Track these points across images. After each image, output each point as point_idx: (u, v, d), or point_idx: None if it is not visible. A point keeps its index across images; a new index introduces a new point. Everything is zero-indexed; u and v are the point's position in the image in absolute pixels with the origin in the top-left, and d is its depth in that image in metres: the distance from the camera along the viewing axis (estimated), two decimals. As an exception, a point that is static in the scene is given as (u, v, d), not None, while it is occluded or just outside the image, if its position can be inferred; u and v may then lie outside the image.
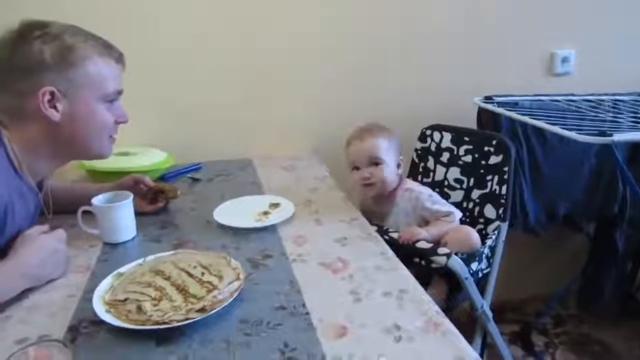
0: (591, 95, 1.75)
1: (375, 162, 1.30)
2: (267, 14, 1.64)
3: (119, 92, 1.03)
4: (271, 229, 1.13)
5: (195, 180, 1.51)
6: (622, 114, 1.53)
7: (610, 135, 1.16)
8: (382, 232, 1.19)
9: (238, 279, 0.86)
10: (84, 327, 0.79)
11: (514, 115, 1.45)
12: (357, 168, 1.33)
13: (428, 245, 1.18)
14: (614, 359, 1.86)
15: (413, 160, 1.61)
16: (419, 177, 1.59)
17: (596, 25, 1.88)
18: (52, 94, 0.92)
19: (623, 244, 1.79)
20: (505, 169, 1.36)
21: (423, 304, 0.84)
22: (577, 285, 1.98)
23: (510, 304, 2.05)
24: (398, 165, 1.34)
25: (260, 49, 1.67)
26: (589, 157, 1.70)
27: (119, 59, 1.02)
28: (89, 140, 1.00)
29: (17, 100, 0.93)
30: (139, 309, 0.79)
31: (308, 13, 1.67)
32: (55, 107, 0.93)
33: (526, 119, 1.39)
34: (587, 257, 1.92)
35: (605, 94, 1.76)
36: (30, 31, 0.92)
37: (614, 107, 1.64)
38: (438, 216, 1.32)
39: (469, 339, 0.77)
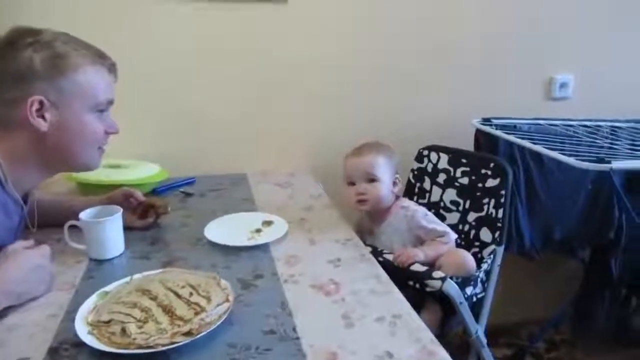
0: (589, 120, 1.75)
1: (371, 179, 1.29)
2: (266, 31, 1.63)
3: (110, 102, 1.01)
4: (263, 247, 1.11)
5: (188, 194, 1.49)
6: (619, 140, 1.53)
7: (609, 162, 1.16)
8: (377, 253, 1.17)
9: (227, 300, 0.84)
10: (65, 349, 0.76)
11: (512, 138, 1.44)
12: (352, 183, 1.32)
13: (423, 268, 1.15)
14: (607, 387, 1.84)
15: (409, 180, 1.59)
16: (415, 198, 1.58)
17: (595, 51, 1.89)
18: (40, 103, 0.90)
19: (618, 270, 1.77)
20: (502, 192, 1.35)
21: (417, 330, 0.82)
22: (572, 311, 1.96)
23: (504, 328, 2.02)
24: (394, 184, 1.34)
25: (258, 66, 1.66)
26: (586, 183, 1.69)
27: (111, 68, 1.00)
28: (77, 151, 0.98)
29: (5, 109, 0.91)
30: (123, 331, 0.76)
31: (307, 31, 1.67)
32: (43, 117, 0.91)
33: (525, 142, 1.39)
34: (581, 283, 1.90)
35: (603, 120, 1.76)
36: (20, 38, 0.90)
37: (611, 134, 1.64)
38: (433, 236, 1.30)
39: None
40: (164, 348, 0.72)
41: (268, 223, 1.23)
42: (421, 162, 1.57)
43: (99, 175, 1.35)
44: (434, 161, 1.54)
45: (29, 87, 0.89)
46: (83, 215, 1.05)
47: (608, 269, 1.76)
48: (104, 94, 0.97)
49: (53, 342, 0.77)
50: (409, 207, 1.33)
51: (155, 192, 1.49)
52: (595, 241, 1.77)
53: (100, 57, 0.98)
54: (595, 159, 1.18)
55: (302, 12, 1.64)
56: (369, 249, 1.15)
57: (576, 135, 1.56)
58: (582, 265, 1.90)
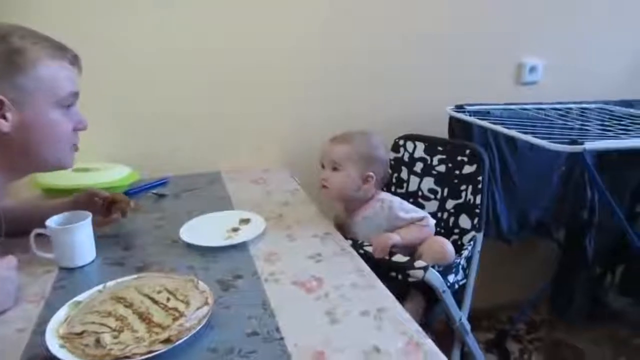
0: (559, 103, 1.77)
1: (335, 168, 1.27)
2: (237, 29, 1.60)
3: (75, 95, 0.94)
4: (241, 246, 1.08)
5: (161, 196, 1.44)
6: (589, 122, 1.55)
7: (582, 143, 1.17)
8: (357, 246, 1.16)
9: (207, 303, 0.81)
10: (36, 364, 0.72)
11: (486, 124, 1.45)
12: (323, 166, 1.31)
13: (404, 259, 1.14)
14: (586, 364, 1.88)
15: (386, 170, 1.58)
16: (393, 188, 1.57)
17: (563, 36, 1.91)
18: (0, 102, 0.85)
19: (592, 249, 1.81)
20: (479, 178, 1.35)
21: (403, 322, 0.81)
22: (549, 291, 1.99)
23: (484, 312, 2.04)
24: (366, 179, 1.28)
25: (227, 64, 1.62)
26: (558, 165, 1.72)
27: (74, 60, 0.94)
28: (45, 150, 0.92)
29: None
30: (97, 342, 0.72)
31: (278, 28, 1.63)
32: (4, 117, 0.85)
33: (499, 128, 1.39)
34: (557, 264, 1.93)
35: (573, 103, 1.79)
36: None
37: (581, 116, 1.67)
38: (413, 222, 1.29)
39: (447, 352, 0.74)
40: (141, 358, 0.69)
41: (245, 221, 1.20)
42: (397, 151, 1.56)
43: (67, 180, 1.29)
44: (410, 150, 1.53)
45: None
46: (50, 222, 1.00)
47: (583, 248, 1.80)
48: (67, 88, 0.91)
49: (23, 358, 0.73)
50: (384, 199, 1.31)
51: (127, 194, 1.43)
52: (570, 222, 1.80)
53: (60, 49, 0.92)
54: (568, 140, 1.19)
55: (268, 10, 1.61)
56: (349, 242, 1.14)
57: (548, 118, 1.58)
58: (558, 246, 1.93)
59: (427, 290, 1.22)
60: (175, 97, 1.61)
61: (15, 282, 0.88)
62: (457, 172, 1.41)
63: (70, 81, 0.92)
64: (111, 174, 1.42)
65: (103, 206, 1.15)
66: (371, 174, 1.27)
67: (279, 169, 1.69)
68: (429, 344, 0.75)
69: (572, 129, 1.43)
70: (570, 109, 1.73)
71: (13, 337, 0.78)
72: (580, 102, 1.80)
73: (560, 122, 1.51)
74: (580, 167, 1.68)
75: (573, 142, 1.18)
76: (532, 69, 1.89)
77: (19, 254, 0.93)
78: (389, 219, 1.28)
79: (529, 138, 1.25)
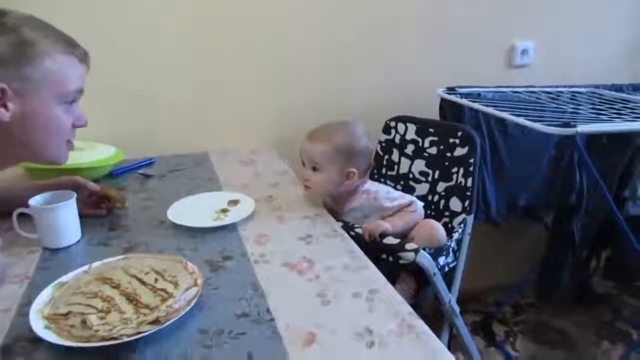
0: (550, 87, 1.77)
1: (314, 167, 1.22)
2: (223, 11, 1.56)
3: (80, 92, 0.93)
4: (230, 227, 1.07)
5: (147, 176, 1.42)
6: (581, 105, 1.55)
7: (574, 126, 1.16)
8: (348, 228, 1.14)
9: (196, 284, 0.79)
10: (20, 346, 0.70)
11: (478, 106, 1.44)
12: (304, 164, 1.26)
13: (395, 241, 1.14)
14: (570, 346, 1.91)
15: (377, 152, 1.56)
16: (383, 170, 1.56)
17: (554, 18, 1.89)
18: (3, 91, 0.81)
19: (579, 233, 1.82)
20: (471, 160, 1.34)
21: (395, 304, 0.80)
22: (536, 274, 2.01)
23: (471, 295, 2.06)
24: (347, 175, 1.22)
25: (214, 43, 1.59)
26: (549, 149, 1.72)
27: (83, 58, 0.92)
28: (42, 143, 0.90)
29: None
30: (84, 323, 0.70)
31: (264, 10, 1.59)
32: (5, 106, 0.83)
33: (491, 110, 1.38)
34: (545, 247, 1.95)
35: (564, 86, 1.78)
36: None
37: (572, 99, 1.66)
38: (401, 209, 1.28)
39: (436, 335, 0.73)
40: (129, 339, 0.68)
41: (234, 202, 1.18)
42: (388, 133, 1.55)
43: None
44: (402, 132, 1.52)
45: None
46: (33, 201, 0.98)
47: (570, 232, 1.81)
48: (73, 84, 0.90)
49: (6, 339, 0.71)
50: (369, 190, 1.28)
51: (112, 175, 1.41)
52: (558, 205, 1.81)
53: (71, 45, 0.90)
54: (560, 123, 1.19)
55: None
56: (340, 224, 1.12)
57: (539, 101, 1.57)
58: (546, 229, 1.95)
59: (417, 273, 1.21)
60: (162, 78, 1.57)
61: (1, 263, 0.85)
62: (448, 154, 1.40)
63: (76, 78, 0.91)
64: (96, 154, 1.38)
65: (89, 198, 1.12)
66: (353, 170, 1.21)
67: (268, 150, 1.67)
68: (421, 325, 0.75)
69: (564, 112, 1.42)
70: (562, 92, 1.72)
71: (-4, 318, 0.76)
72: (572, 86, 1.79)
73: (551, 105, 1.51)
74: (570, 150, 1.68)
75: (566, 124, 1.17)
76: (524, 52, 1.88)
77: (2, 234, 0.91)
78: (376, 209, 1.26)
79: (521, 120, 1.24)
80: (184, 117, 1.63)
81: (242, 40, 1.61)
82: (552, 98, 1.63)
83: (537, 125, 1.19)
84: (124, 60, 1.53)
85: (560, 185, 1.76)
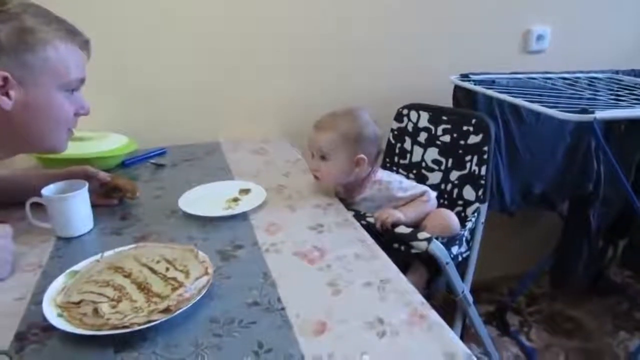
0: (567, 73, 1.73)
1: (323, 156, 1.20)
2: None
3: (82, 81, 0.93)
4: (241, 217, 1.06)
5: (159, 166, 1.42)
6: (599, 91, 1.51)
7: (592, 112, 1.13)
8: (360, 217, 1.13)
9: (206, 273, 0.79)
10: (34, 334, 0.70)
11: (492, 93, 1.41)
12: (312, 155, 1.24)
13: (408, 230, 1.12)
14: (586, 336, 1.89)
15: (389, 141, 1.55)
16: (395, 159, 1.54)
17: (571, 1, 1.85)
18: (5, 79, 0.82)
19: (596, 222, 1.79)
20: (485, 148, 1.32)
21: (406, 294, 0.79)
22: (550, 264, 1.99)
23: (484, 284, 2.04)
24: (357, 162, 1.20)
25: (225, 32, 1.57)
26: (564, 136, 1.68)
27: (84, 45, 0.92)
28: (43, 132, 0.91)
29: None
30: (95, 311, 0.71)
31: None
32: (7, 94, 0.83)
33: (505, 97, 1.35)
34: (560, 236, 1.92)
35: (581, 72, 1.74)
36: None
37: (590, 85, 1.62)
38: (414, 199, 1.26)
39: (448, 325, 0.73)
40: (140, 327, 0.68)
41: (245, 191, 1.18)
42: (401, 121, 1.53)
43: (62, 148, 1.26)
44: (414, 120, 1.50)
45: None
46: (46, 191, 0.98)
47: (586, 221, 1.78)
48: (74, 73, 0.90)
49: (20, 327, 0.72)
50: (381, 180, 1.25)
51: (124, 164, 1.41)
52: (574, 194, 1.78)
53: (72, 33, 0.90)
54: (578, 109, 1.16)
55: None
56: (352, 213, 1.11)
57: (555, 87, 1.53)
58: (561, 218, 1.92)
59: (430, 262, 1.20)
60: (174, 68, 1.57)
61: (11, 251, 0.87)
62: (462, 142, 1.38)
63: (78, 66, 0.91)
64: (108, 143, 1.38)
65: (101, 187, 1.12)
66: (362, 156, 1.20)
67: (279, 139, 1.66)
68: (434, 315, 0.74)
69: (580, 98, 1.39)
70: (579, 78, 1.68)
71: (11, 306, 0.77)
72: (589, 72, 1.75)
73: (568, 91, 1.47)
74: (587, 138, 1.65)
75: (583, 111, 1.14)
76: (540, 37, 1.84)
77: (15, 223, 0.92)
78: (389, 199, 1.25)
79: (537, 107, 1.22)
80: (195, 107, 1.62)
81: (253, 28, 1.59)
82: (569, 84, 1.59)
83: (553, 112, 1.17)
84: (136, 50, 1.52)
85: (577, 173, 1.73)
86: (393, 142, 1.55)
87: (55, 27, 0.87)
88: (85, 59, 0.94)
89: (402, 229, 1.13)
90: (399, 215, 1.17)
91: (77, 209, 0.99)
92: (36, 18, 0.85)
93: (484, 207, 1.33)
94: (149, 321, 0.69)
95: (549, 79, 1.65)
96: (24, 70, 0.84)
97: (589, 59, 1.86)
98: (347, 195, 1.26)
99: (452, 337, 0.69)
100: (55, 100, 0.89)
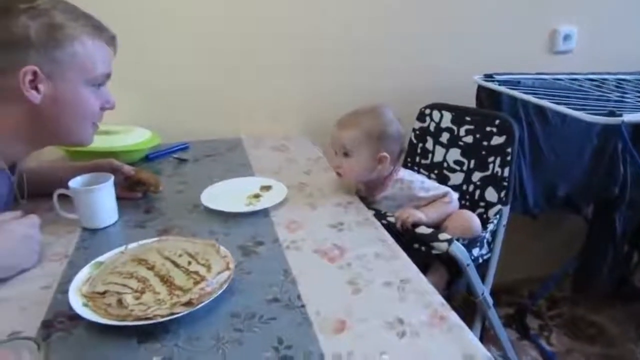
0: (594, 74, 1.70)
1: (346, 153, 1.20)
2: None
3: (108, 76, 0.96)
4: (263, 213, 1.07)
5: (182, 160, 1.44)
6: (627, 93, 1.48)
7: (620, 115, 1.11)
8: (380, 216, 1.13)
9: (228, 268, 0.80)
10: (59, 322, 0.72)
11: (517, 94, 1.39)
12: (335, 152, 1.24)
13: (428, 231, 1.12)
14: (608, 342, 1.85)
15: (411, 140, 1.54)
16: (417, 159, 1.53)
17: (599, 1, 1.81)
18: (34, 74, 0.84)
19: (621, 226, 1.76)
20: (509, 150, 1.30)
21: (426, 295, 0.79)
22: (573, 268, 1.95)
23: (505, 286, 2.01)
24: (379, 160, 1.20)
25: (248, 30, 1.58)
26: (591, 138, 1.65)
27: (111, 41, 0.94)
28: (70, 126, 0.93)
29: None
30: (120, 302, 0.72)
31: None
32: (36, 88, 0.86)
33: (530, 98, 1.33)
34: (584, 239, 1.88)
35: (609, 73, 1.70)
36: (16, 3, 0.84)
37: (618, 87, 1.59)
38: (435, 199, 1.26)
39: (468, 326, 0.72)
40: (163, 319, 0.69)
41: (266, 188, 1.19)
42: (423, 121, 1.52)
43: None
44: (437, 120, 1.49)
45: (23, 57, 0.84)
46: (73, 183, 1.00)
47: (612, 225, 1.74)
48: (101, 68, 0.92)
49: (47, 315, 0.74)
50: (403, 179, 1.25)
51: (147, 158, 1.43)
52: (600, 197, 1.75)
53: (99, 29, 0.92)
54: (605, 112, 1.14)
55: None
56: (372, 212, 1.11)
57: (582, 89, 1.51)
58: (585, 222, 1.88)
59: (450, 263, 1.19)
60: (198, 65, 1.59)
61: (38, 241, 0.89)
62: (485, 143, 1.36)
63: (104, 62, 0.93)
64: (133, 137, 1.41)
65: (125, 181, 1.14)
66: (385, 154, 1.19)
67: (300, 136, 1.67)
68: (454, 316, 0.73)
69: (608, 100, 1.36)
70: (606, 79, 1.65)
71: (38, 294, 0.79)
72: (617, 73, 1.71)
73: (595, 93, 1.44)
74: (614, 140, 1.61)
75: (610, 113, 1.12)
76: (567, 37, 1.81)
77: (43, 214, 0.94)
78: (410, 199, 1.24)
79: (563, 109, 1.20)
80: (217, 103, 1.64)
81: (274, 24, 1.60)
82: (596, 86, 1.56)
83: (580, 114, 1.15)
84: (161, 47, 1.54)
85: (602, 176, 1.69)
86: (415, 141, 1.54)
87: (83, 23, 0.89)
88: (112, 55, 0.96)
89: (422, 229, 1.12)
90: (420, 215, 1.16)
91: (102, 201, 1.01)
92: (65, 14, 0.87)
93: (506, 209, 1.31)
94: (172, 313, 0.70)
95: (576, 80, 1.61)
96: (53, 65, 0.86)
97: (617, 59, 1.82)
98: (368, 194, 1.26)
99: (471, 339, 0.69)
100: (82, 95, 0.91)
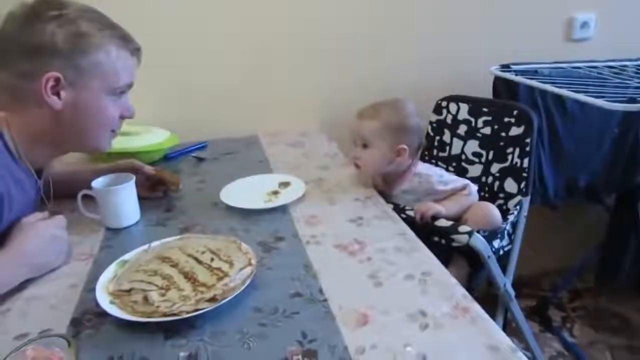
0: (613, 61, 1.66)
1: (365, 144, 1.20)
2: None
3: (130, 86, 0.97)
4: (282, 209, 1.08)
5: (200, 159, 1.45)
6: (648, 80, 1.45)
7: (641, 102, 1.09)
8: (399, 210, 1.13)
9: (250, 264, 0.81)
10: (88, 319, 0.74)
11: (534, 83, 1.37)
12: (355, 143, 1.25)
13: (448, 223, 1.11)
14: (632, 333, 1.83)
15: (428, 133, 1.53)
16: (434, 151, 1.53)
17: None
18: (57, 80, 0.86)
19: (644, 215, 1.73)
20: (527, 140, 1.29)
21: (448, 287, 0.79)
22: (596, 259, 1.93)
23: (526, 278, 1.99)
24: (398, 152, 1.20)
25: (262, 27, 1.60)
26: (611, 127, 1.62)
27: (135, 52, 0.95)
28: (89, 133, 0.94)
29: (17, 81, 0.86)
30: (145, 299, 0.74)
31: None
32: (58, 95, 0.87)
33: (548, 87, 1.31)
34: (606, 230, 1.86)
35: (628, 60, 1.67)
36: (46, 9, 0.85)
37: (637, 73, 1.56)
38: (455, 192, 1.25)
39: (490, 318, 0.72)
40: (188, 315, 0.70)
41: (285, 184, 1.20)
42: (440, 114, 1.51)
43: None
44: (454, 112, 1.48)
45: (47, 63, 0.85)
46: (96, 184, 1.02)
47: (634, 215, 1.72)
48: (124, 78, 0.93)
49: (75, 313, 0.76)
50: (421, 173, 1.25)
51: (166, 158, 1.45)
52: (622, 187, 1.72)
53: (124, 39, 0.93)
54: (625, 99, 1.12)
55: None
56: (391, 205, 1.11)
57: (601, 76, 1.48)
58: (606, 211, 1.85)
59: (470, 256, 1.19)
60: (214, 65, 1.60)
61: (66, 240, 0.91)
62: (503, 134, 1.35)
63: (127, 72, 0.94)
64: (151, 138, 1.43)
65: (147, 181, 1.15)
66: (403, 146, 1.20)
67: (316, 132, 1.67)
68: (477, 308, 0.73)
69: (627, 87, 1.34)
70: (626, 66, 1.61)
71: (66, 293, 0.81)
72: (637, 59, 1.68)
73: (614, 80, 1.42)
74: (635, 128, 1.59)
75: (631, 100, 1.10)
76: (584, 24, 1.78)
77: (67, 215, 0.96)
78: (428, 193, 1.24)
79: (582, 97, 1.18)
80: (234, 101, 1.65)
81: (290, 22, 1.60)
82: (616, 73, 1.53)
83: (600, 102, 1.13)
84: (179, 49, 1.56)
85: (624, 165, 1.66)
86: (432, 134, 1.53)
87: (109, 34, 0.90)
88: (136, 65, 0.97)
89: (442, 222, 1.12)
90: (439, 208, 1.16)
91: (125, 200, 1.03)
92: (91, 23, 0.88)
93: (526, 200, 1.30)
94: (197, 309, 0.71)
95: (594, 67, 1.59)
96: (76, 73, 0.87)
97: (637, 46, 1.78)
98: (386, 188, 1.26)
99: (495, 330, 0.69)
100: (103, 103, 0.92)
